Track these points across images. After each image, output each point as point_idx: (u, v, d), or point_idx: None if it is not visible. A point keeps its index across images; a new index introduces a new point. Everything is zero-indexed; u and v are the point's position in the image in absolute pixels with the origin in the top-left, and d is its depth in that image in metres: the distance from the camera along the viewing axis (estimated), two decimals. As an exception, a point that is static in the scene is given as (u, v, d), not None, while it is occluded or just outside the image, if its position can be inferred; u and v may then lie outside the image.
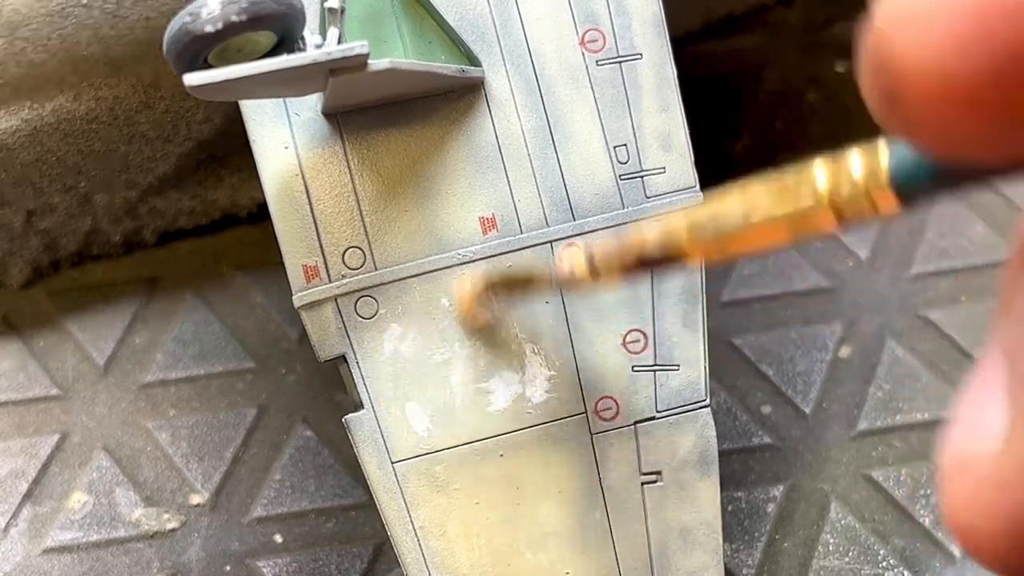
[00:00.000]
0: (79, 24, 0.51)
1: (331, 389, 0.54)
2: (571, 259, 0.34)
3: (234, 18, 0.32)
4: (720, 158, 0.60)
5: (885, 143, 0.22)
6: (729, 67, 0.63)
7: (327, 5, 0.36)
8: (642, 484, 0.41)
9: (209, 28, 0.32)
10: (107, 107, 0.52)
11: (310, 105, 0.40)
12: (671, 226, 0.29)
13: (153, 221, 0.57)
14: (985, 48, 0.15)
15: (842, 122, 0.62)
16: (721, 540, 0.41)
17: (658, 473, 0.41)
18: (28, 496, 0.52)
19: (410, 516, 0.40)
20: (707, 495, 0.41)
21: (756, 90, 0.63)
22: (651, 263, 0.31)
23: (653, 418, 0.41)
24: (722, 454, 0.52)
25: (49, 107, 0.51)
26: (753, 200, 0.26)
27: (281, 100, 0.40)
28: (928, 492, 0.52)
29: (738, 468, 0.52)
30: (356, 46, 0.33)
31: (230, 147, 0.55)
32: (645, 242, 0.30)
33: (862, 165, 0.23)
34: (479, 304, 0.39)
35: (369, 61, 0.34)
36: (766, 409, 0.54)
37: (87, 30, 0.51)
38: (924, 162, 0.21)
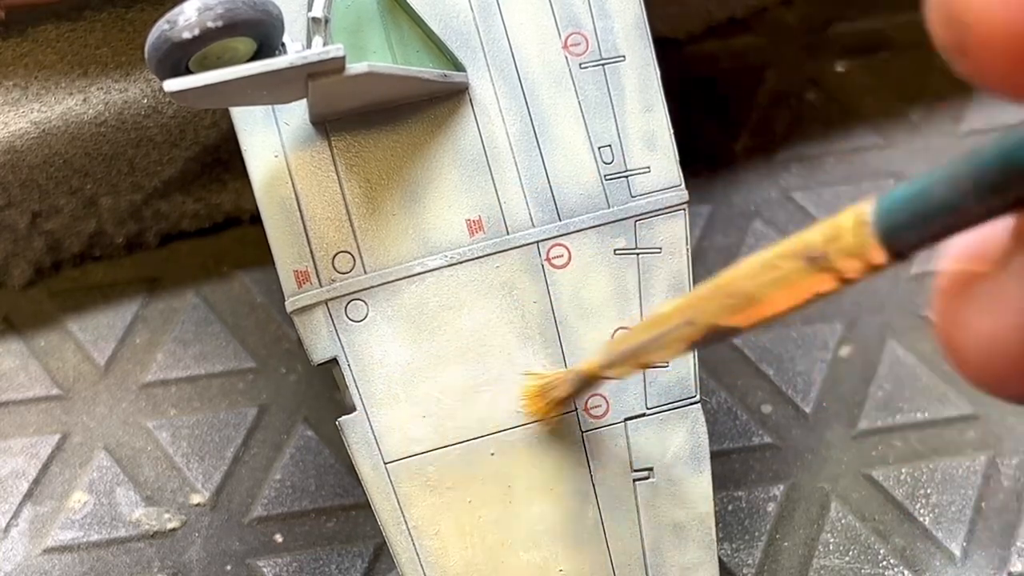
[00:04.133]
0: (89, 27, 0.51)
1: (332, 389, 0.54)
2: None
3: (210, 24, 0.32)
4: (720, 158, 0.60)
5: (871, 199, 0.23)
6: (729, 67, 0.63)
7: (310, 15, 0.36)
8: (634, 481, 0.41)
9: (187, 35, 0.32)
10: (116, 111, 0.52)
11: (298, 114, 0.40)
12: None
13: (156, 224, 0.58)
14: None
15: (842, 122, 0.62)
16: (715, 536, 0.41)
17: (649, 470, 0.41)
18: (29, 496, 0.52)
19: (404, 516, 0.40)
20: (700, 491, 0.41)
21: (756, 90, 0.63)
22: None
23: (643, 415, 0.41)
24: (722, 454, 0.52)
25: (58, 110, 0.51)
26: (759, 262, 0.27)
27: (270, 110, 0.40)
28: (928, 492, 0.52)
29: (738, 468, 0.53)
30: (332, 49, 0.33)
31: (236, 152, 0.55)
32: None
33: (851, 219, 0.23)
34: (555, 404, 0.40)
35: (347, 65, 0.34)
36: (766, 409, 0.54)
37: (97, 33, 0.51)
38: (906, 209, 0.22)
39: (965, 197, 0.20)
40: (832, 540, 0.51)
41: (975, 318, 0.19)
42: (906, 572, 0.50)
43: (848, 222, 0.23)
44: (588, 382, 0.38)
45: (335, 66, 0.34)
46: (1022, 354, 0.19)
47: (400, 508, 0.40)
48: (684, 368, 0.41)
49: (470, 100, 0.41)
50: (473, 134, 0.41)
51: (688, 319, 0.30)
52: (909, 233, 0.22)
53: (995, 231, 0.20)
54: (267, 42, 0.35)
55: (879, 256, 0.23)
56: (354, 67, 0.35)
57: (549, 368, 0.41)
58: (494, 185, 0.41)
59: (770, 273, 0.26)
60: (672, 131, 0.42)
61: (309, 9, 0.36)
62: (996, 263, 0.20)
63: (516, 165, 0.41)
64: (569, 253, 0.41)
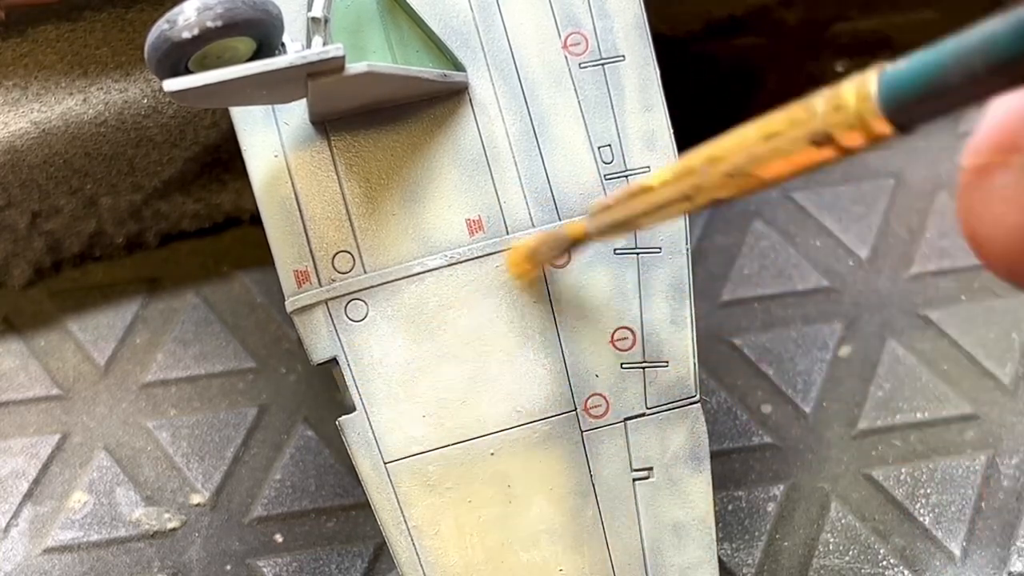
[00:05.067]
0: (89, 27, 0.51)
1: (332, 389, 0.54)
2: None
3: (210, 24, 0.32)
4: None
5: (875, 71, 0.23)
6: (729, 67, 0.63)
7: (310, 15, 0.36)
8: (633, 480, 0.41)
9: (186, 34, 0.32)
10: (116, 111, 0.52)
11: (298, 114, 0.40)
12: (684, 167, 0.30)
13: (156, 224, 0.58)
14: None
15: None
16: (715, 536, 0.41)
17: (649, 469, 0.41)
18: (29, 496, 0.53)
19: (404, 516, 0.40)
20: (699, 491, 0.41)
21: (756, 90, 0.63)
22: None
23: (643, 415, 0.41)
24: (722, 453, 0.52)
25: (58, 110, 0.51)
26: (757, 132, 0.27)
27: (270, 110, 0.40)
28: (928, 491, 0.52)
29: (738, 467, 0.53)
30: (332, 49, 0.33)
31: (235, 152, 0.55)
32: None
33: (854, 91, 0.23)
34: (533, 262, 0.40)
35: (347, 65, 0.34)
36: (766, 409, 0.54)
37: (97, 33, 0.51)
38: (912, 81, 0.22)
39: (974, 73, 0.20)
40: (832, 540, 0.51)
41: (996, 208, 0.20)
42: (906, 572, 0.50)
43: (851, 94, 0.23)
44: (573, 243, 0.39)
45: (335, 66, 0.34)
46: None
47: (400, 508, 0.40)
48: (684, 368, 0.41)
49: (470, 100, 0.41)
50: (473, 134, 0.41)
51: (684, 193, 0.30)
52: (913, 106, 0.22)
53: (1018, 123, 0.20)
54: (267, 42, 0.35)
55: (883, 128, 0.23)
56: (354, 67, 0.35)
57: (549, 369, 0.41)
58: (494, 185, 0.41)
59: (769, 144, 0.26)
60: (672, 131, 0.42)
61: (309, 9, 0.36)
62: (1018, 154, 0.20)
63: (516, 165, 0.41)
64: (569, 253, 0.41)
